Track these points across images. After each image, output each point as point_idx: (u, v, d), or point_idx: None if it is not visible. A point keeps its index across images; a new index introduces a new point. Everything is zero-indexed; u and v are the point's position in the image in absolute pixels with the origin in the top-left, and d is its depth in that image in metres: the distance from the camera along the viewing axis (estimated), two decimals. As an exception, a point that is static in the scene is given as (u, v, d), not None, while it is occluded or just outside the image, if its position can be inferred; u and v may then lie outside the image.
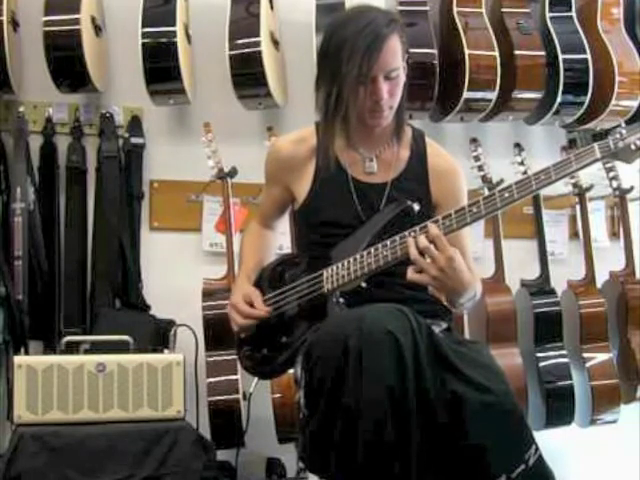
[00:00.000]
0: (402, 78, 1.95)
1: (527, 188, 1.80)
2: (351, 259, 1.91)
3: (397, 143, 2.05)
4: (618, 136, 1.77)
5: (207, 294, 2.97)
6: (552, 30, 3.35)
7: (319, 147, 2.04)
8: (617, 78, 3.28)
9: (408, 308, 1.72)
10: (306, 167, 2.06)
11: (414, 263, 1.79)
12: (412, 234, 1.83)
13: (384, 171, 2.04)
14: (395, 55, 1.91)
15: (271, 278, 2.09)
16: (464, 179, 2.11)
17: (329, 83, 1.92)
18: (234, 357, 2.82)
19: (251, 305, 2.01)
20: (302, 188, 2.06)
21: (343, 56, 1.86)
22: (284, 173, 2.10)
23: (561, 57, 3.28)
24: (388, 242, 1.87)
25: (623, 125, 1.81)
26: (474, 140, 3.37)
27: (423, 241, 1.78)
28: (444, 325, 2.00)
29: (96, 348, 2.70)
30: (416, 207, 1.93)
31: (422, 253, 1.78)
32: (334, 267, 1.93)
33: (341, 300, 1.92)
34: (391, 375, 1.62)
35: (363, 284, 1.90)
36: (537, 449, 1.72)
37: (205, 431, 2.79)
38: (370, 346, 1.63)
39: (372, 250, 1.89)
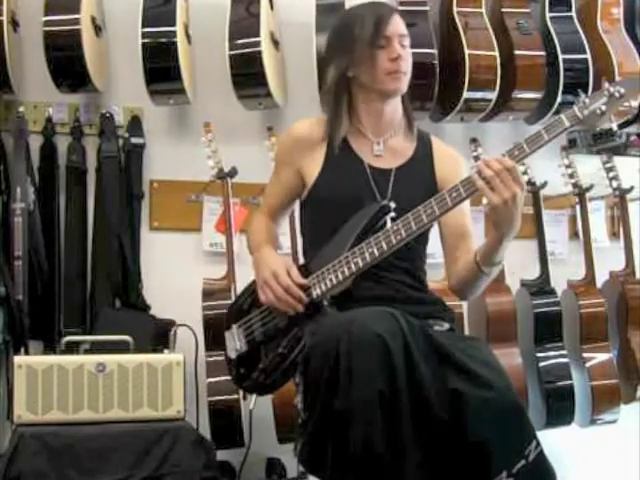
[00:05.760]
0: (410, 53, 2.04)
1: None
2: (336, 262, 1.92)
3: (408, 130, 2.11)
4: (582, 104, 1.86)
5: (207, 294, 2.97)
6: (552, 30, 3.36)
7: (328, 127, 2.07)
8: (617, 78, 3.27)
9: (399, 310, 1.74)
10: (318, 149, 2.08)
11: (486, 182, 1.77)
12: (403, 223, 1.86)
13: (391, 157, 2.07)
14: (404, 25, 2.03)
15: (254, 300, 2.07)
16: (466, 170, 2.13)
17: (341, 55, 2.02)
18: (234, 357, 2.82)
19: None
20: (312, 169, 2.08)
21: (355, 25, 2.00)
22: (297, 153, 2.11)
23: (561, 57, 3.28)
24: (372, 239, 1.89)
25: (582, 95, 1.86)
26: (474, 140, 3.37)
27: (497, 165, 1.77)
28: (446, 326, 2.00)
29: (96, 348, 2.70)
30: (392, 205, 1.94)
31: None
32: (319, 273, 1.94)
33: (331, 303, 1.93)
34: (380, 378, 1.64)
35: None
36: (538, 445, 1.72)
37: (205, 431, 2.79)
38: (359, 349, 1.65)
39: (357, 250, 1.90)
